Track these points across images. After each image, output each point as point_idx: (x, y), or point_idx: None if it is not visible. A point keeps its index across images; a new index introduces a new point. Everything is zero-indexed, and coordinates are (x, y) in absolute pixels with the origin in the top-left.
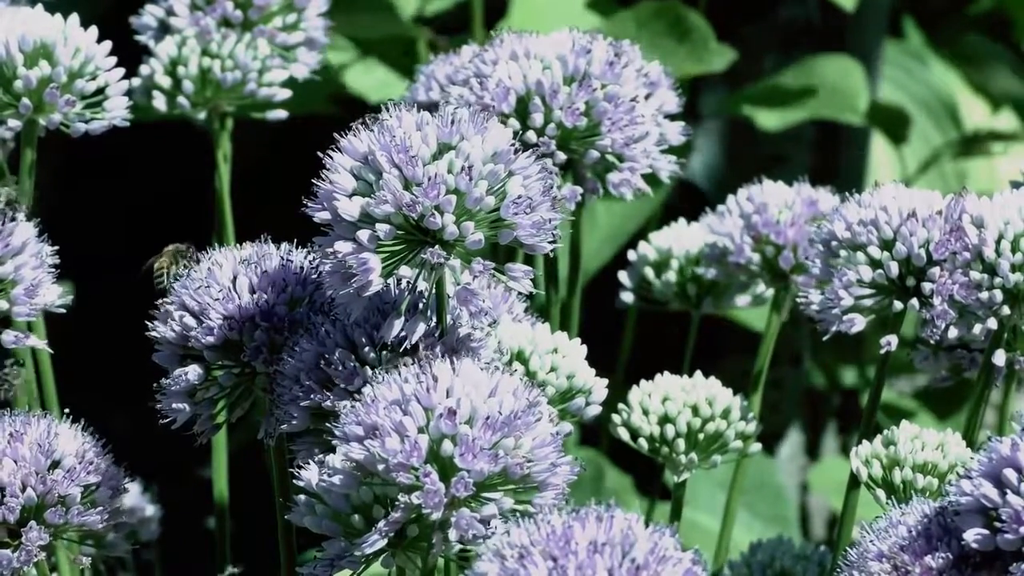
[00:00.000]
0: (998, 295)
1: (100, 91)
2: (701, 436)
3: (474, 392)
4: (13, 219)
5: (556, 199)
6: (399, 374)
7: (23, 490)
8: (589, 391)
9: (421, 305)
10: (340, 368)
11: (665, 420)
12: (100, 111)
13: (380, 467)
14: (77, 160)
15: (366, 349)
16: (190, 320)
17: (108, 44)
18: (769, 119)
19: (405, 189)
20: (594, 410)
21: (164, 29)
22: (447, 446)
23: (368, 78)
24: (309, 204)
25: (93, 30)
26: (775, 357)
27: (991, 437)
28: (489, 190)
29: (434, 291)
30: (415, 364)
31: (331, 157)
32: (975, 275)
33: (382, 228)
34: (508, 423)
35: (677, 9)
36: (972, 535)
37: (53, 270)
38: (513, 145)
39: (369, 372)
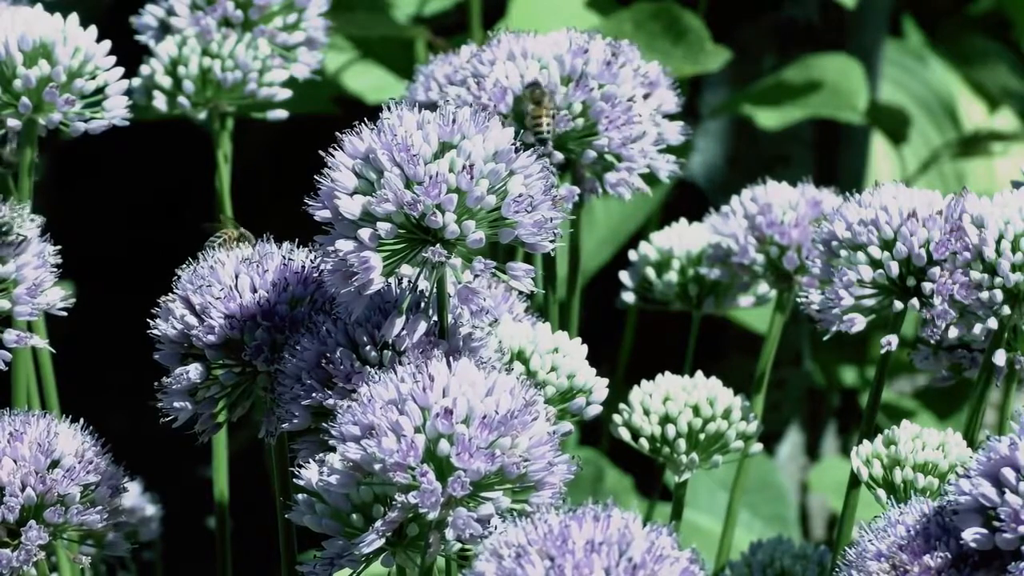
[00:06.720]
0: (998, 295)
1: (100, 90)
2: (702, 436)
3: (471, 391)
4: (18, 241)
5: (556, 198)
6: (395, 373)
7: (22, 489)
8: (590, 391)
9: (422, 304)
10: (341, 367)
11: (666, 420)
12: (99, 110)
13: (377, 467)
14: (77, 160)
15: (367, 348)
16: (191, 319)
17: (107, 44)
18: (769, 118)
19: (406, 188)
20: (594, 410)
21: (164, 29)
22: (444, 445)
23: (366, 78)
24: (310, 203)
25: (93, 30)
26: (776, 357)
27: (990, 437)
28: (490, 189)
29: (435, 290)
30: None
31: (332, 156)
32: (975, 275)
33: (383, 227)
34: (505, 422)
35: (673, 10)
36: (971, 534)
37: (55, 270)
38: (514, 144)
39: (370, 371)
